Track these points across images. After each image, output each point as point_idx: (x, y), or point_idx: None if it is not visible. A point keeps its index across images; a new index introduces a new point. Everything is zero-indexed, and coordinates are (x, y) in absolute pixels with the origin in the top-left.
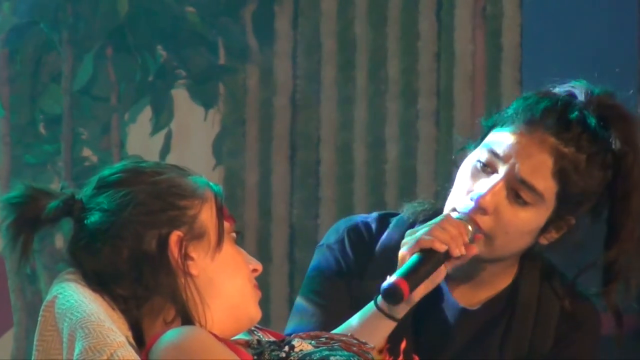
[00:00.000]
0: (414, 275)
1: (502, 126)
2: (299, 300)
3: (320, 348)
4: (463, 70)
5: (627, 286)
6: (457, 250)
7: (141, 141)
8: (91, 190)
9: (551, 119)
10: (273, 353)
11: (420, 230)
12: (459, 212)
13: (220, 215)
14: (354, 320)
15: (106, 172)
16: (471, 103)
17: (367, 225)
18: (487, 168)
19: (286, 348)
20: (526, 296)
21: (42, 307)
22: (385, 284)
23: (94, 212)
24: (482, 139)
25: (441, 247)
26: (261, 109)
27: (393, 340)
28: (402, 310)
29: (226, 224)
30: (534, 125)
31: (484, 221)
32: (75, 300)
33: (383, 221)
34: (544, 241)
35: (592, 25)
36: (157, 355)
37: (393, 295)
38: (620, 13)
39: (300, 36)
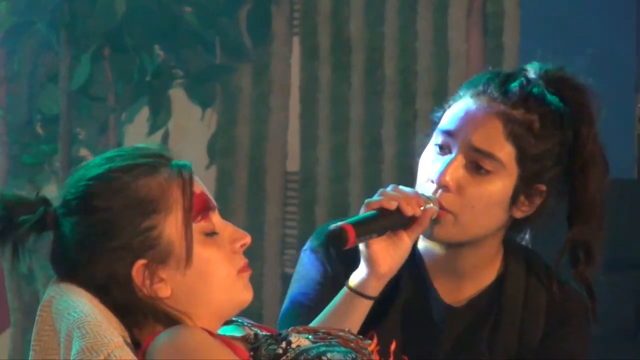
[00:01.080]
0: (363, 225)
1: (450, 106)
2: (286, 304)
3: (318, 344)
4: (457, 70)
5: (591, 261)
6: (409, 209)
7: (138, 141)
8: (61, 204)
9: (495, 86)
10: (270, 347)
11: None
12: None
13: (189, 219)
14: (329, 306)
15: (68, 192)
16: None
17: None
18: (444, 149)
19: (283, 344)
20: (512, 291)
21: (39, 307)
22: (331, 226)
23: (65, 230)
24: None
25: (389, 205)
26: (255, 108)
27: (382, 342)
28: (373, 287)
29: (199, 205)
30: (479, 95)
31: (448, 199)
32: (73, 300)
33: None
34: (518, 214)
35: (591, 25)
36: (153, 355)
37: (338, 237)
38: (619, 13)
39: (296, 36)
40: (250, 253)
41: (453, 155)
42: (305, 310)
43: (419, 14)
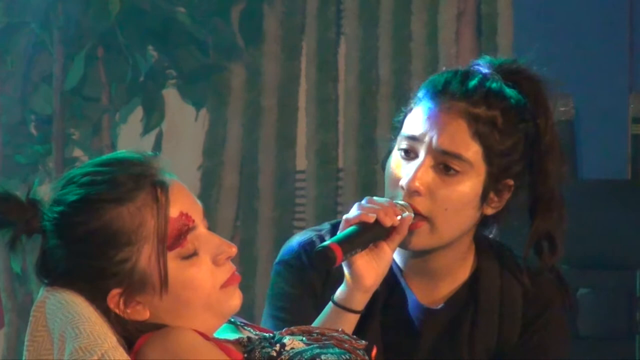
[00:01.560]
0: (347, 242)
1: (411, 111)
2: (265, 319)
3: (312, 346)
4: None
5: (555, 251)
6: (388, 219)
7: (132, 141)
8: (46, 217)
9: (455, 86)
10: (264, 350)
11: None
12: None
13: (163, 249)
14: (316, 322)
15: (50, 211)
16: None
17: (321, 238)
18: (410, 154)
19: (277, 346)
20: (487, 287)
21: (33, 308)
22: (317, 247)
23: (50, 244)
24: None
25: (368, 218)
26: (247, 108)
27: (364, 348)
28: (359, 301)
29: (175, 232)
30: (440, 96)
31: (420, 203)
32: (67, 301)
33: (335, 231)
34: (489, 211)
35: (584, 26)
36: (145, 356)
37: (325, 257)
38: (612, 14)
39: (287, 36)
40: (243, 253)
41: (420, 159)
42: (288, 324)
43: (414, 15)
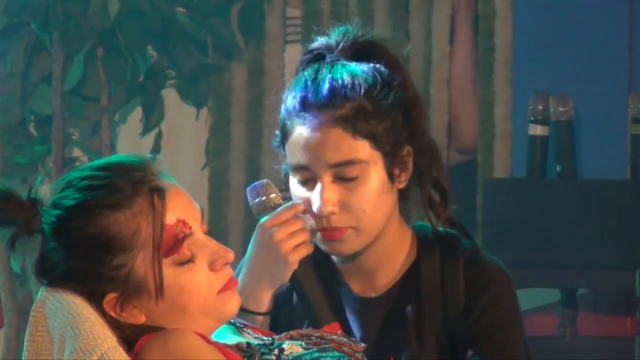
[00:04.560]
0: None
1: (286, 139)
2: None
3: (311, 350)
4: (440, 74)
5: (447, 199)
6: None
7: (131, 141)
8: (45, 220)
9: (311, 100)
10: (264, 357)
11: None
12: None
13: (158, 257)
14: None
15: (48, 214)
16: (451, 105)
17: None
18: (307, 182)
19: (276, 351)
20: (427, 274)
21: (33, 308)
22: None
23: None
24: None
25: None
26: (249, 108)
27: (363, 351)
28: (262, 303)
29: (170, 240)
30: (304, 116)
31: (340, 220)
32: (66, 301)
33: None
34: (401, 185)
35: (583, 26)
36: (145, 357)
37: None
38: (611, 14)
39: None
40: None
41: (319, 185)
42: None
43: (412, 14)
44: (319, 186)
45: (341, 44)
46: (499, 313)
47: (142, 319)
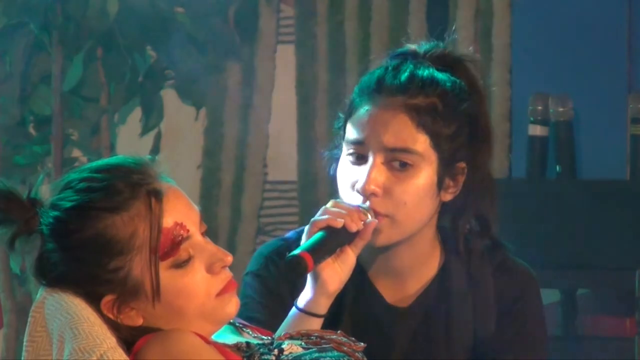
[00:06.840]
0: (316, 249)
1: (350, 116)
2: None
3: (310, 350)
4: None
5: (487, 233)
6: (354, 225)
7: (131, 142)
8: (43, 222)
9: (388, 82)
10: (263, 357)
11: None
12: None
13: (155, 260)
14: (280, 329)
15: (47, 215)
16: None
17: (288, 247)
18: (359, 158)
19: (275, 351)
20: (457, 283)
21: (32, 308)
22: (287, 256)
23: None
24: (343, 138)
25: (336, 223)
26: (244, 108)
27: (363, 351)
28: (323, 305)
29: (167, 243)
30: (376, 95)
31: (379, 204)
32: (66, 302)
33: (300, 238)
34: (447, 197)
35: (582, 26)
36: (144, 357)
37: (297, 266)
38: (611, 14)
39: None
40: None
41: (370, 161)
42: None
43: (412, 15)
44: (368, 164)
45: (429, 53)
46: (531, 318)
47: (139, 321)
